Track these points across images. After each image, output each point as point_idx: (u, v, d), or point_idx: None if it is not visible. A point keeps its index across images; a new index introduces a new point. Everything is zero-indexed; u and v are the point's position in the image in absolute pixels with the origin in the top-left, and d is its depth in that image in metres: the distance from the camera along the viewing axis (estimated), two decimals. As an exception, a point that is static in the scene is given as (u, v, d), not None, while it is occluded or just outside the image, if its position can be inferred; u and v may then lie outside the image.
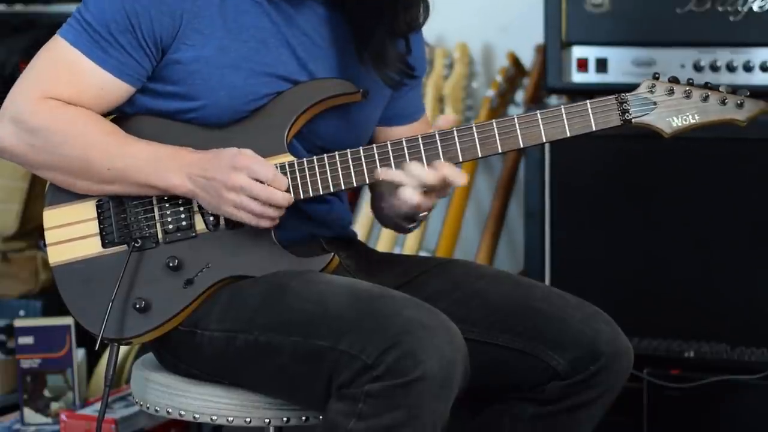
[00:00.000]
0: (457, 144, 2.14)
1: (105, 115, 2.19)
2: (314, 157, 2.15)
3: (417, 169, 2.10)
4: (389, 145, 2.15)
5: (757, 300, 2.85)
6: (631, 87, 2.16)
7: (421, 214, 2.19)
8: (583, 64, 2.98)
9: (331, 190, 2.15)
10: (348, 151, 2.15)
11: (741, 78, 2.88)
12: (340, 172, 2.14)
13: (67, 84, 2.13)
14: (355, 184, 2.15)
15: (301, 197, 2.15)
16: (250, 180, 2.08)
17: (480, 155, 2.14)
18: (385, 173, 2.11)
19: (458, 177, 2.11)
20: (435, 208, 2.21)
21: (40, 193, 2.24)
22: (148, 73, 2.16)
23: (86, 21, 2.12)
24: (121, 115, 2.21)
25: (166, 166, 2.11)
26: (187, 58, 2.14)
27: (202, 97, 2.15)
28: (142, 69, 2.15)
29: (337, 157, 2.15)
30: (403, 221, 2.22)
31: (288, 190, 2.12)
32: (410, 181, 2.10)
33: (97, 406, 3.05)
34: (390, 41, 2.21)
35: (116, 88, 2.15)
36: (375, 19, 2.20)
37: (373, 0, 2.19)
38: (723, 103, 2.13)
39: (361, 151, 2.15)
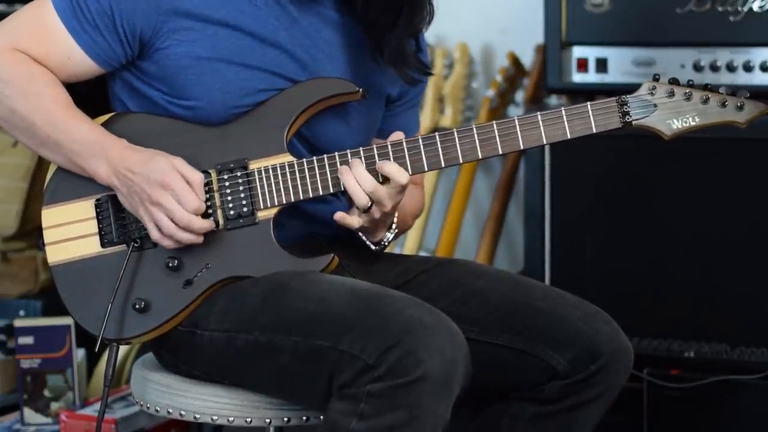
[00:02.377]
0: (458, 145, 2.14)
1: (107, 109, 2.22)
2: (314, 158, 2.15)
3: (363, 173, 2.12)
4: (389, 146, 2.15)
5: (757, 300, 2.85)
6: (631, 87, 2.16)
7: (385, 240, 2.21)
8: (583, 64, 2.98)
9: (331, 191, 2.15)
10: (348, 151, 2.15)
11: (741, 78, 2.88)
12: (340, 172, 2.15)
13: (39, 42, 2.16)
14: (354, 185, 2.15)
15: (301, 198, 2.15)
16: (173, 202, 2.09)
17: (480, 156, 2.14)
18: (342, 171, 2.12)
19: (401, 175, 2.12)
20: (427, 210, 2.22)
21: (40, 193, 2.24)
22: (121, 59, 2.17)
23: None
24: (123, 113, 2.22)
25: (97, 153, 2.13)
26: (178, 53, 2.15)
27: (197, 93, 2.16)
28: (113, 53, 2.16)
29: (337, 157, 2.15)
30: (367, 240, 2.23)
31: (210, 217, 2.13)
32: (355, 188, 2.11)
33: (97, 406, 3.05)
34: (406, 40, 2.22)
35: (82, 62, 2.17)
36: (392, 19, 2.20)
37: (388, 2, 2.19)
38: (723, 105, 2.13)
39: (361, 152, 2.15)
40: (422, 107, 3.42)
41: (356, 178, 2.11)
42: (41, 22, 2.16)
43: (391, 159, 2.14)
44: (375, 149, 2.15)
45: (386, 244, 2.24)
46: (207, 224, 2.12)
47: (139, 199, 2.11)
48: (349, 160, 2.13)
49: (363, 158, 2.14)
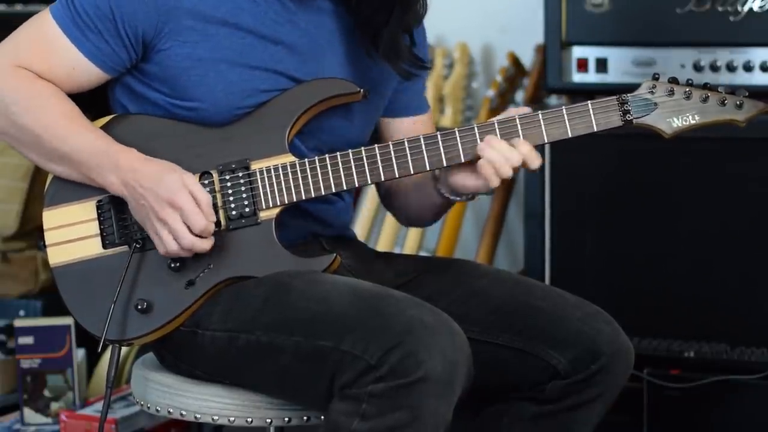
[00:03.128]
0: (459, 144, 2.14)
1: (103, 112, 2.22)
2: (316, 157, 2.15)
3: (502, 146, 2.10)
4: (391, 146, 2.15)
5: (757, 300, 2.85)
6: (631, 87, 2.17)
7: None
8: (583, 64, 2.98)
9: (333, 191, 2.15)
10: (350, 151, 2.15)
11: (741, 78, 2.88)
12: (342, 172, 2.15)
13: (41, 57, 2.16)
14: (356, 184, 2.15)
15: (303, 197, 2.15)
16: (180, 222, 2.08)
17: (482, 155, 2.14)
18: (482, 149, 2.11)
19: (535, 159, 2.11)
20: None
21: (40, 193, 2.24)
22: (126, 64, 2.17)
23: (73, 0, 2.14)
24: (122, 115, 2.22)
25: (107, 164, 2.12)
26: (180, 54, 2.15)
27: (199, 94, 2.16)
28: (118, 58, 2.16)
29: (338, 157, 2.15)
30: (450, 197, 2.21)
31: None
32: (498, 158, 2.10)
33: (97, 406, 3.05)
34: (400, 36, 2.22)
35: (88, 71, 2.16)
36: (385, 15, 2.20)
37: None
38: (722, 103, 2.14)
39: (363, 151, 2.15)
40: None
41: (503, 154, 2.10)
42: (42, 36, 2.16)
43: (393, 159, 2.14)
44: (377, 149, 2.15)
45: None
46: (210, 244, 2.12)
47: (144, 213, 2.10)
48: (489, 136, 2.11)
49: (365, 158, 2.14)
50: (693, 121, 2.15)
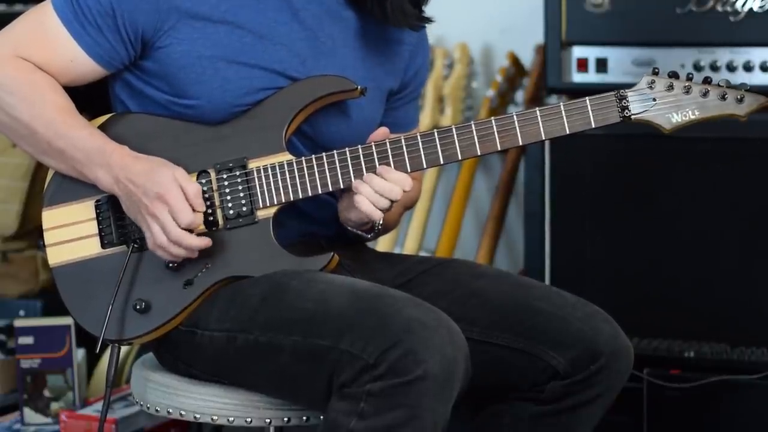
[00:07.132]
0: (456, 142, 2.14)
1: (110, 109, 2.24)
2: (313, 156, 2.15)
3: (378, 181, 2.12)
4: (388, 144, 2.15)
5: (757, 300, 2.85)
6: (632, 87, 2.16)
7: (378, 226, 2.20)
8: (583, 64, 2.98)
9: (330, 189, 2.15)
10: (347, 149, 2.15)
11: (741, 78, 2.87)
12: (338, 171, 2.15)
13: (41, 48, 2.16)
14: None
15: (300, 196, 2.15)
16: (168, 216, 2.09)
17: (479, 153, 2.14)
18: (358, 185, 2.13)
19: (406, 181, 2.13)
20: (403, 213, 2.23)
21: (40, 192, 2.25)
22: (125, 60, 2.18)
23: None
24: (121, 113, 2.22)
25: (99, 160, 2.12)
26: (178, 52, 2.15)
27: (197, 91, 2.16)
28: (117, 54, 2.16)
29: (335, 155, 2.15)
30: (357, 230, 2.22)
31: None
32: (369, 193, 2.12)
33: (97, 406, 3.04)
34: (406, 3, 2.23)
35: (86, 65, 2.17)
36: None
37: None
38: (723, 98, 2.13)
39: (360, 150, 2.15)
40: (422, 107, 3.43)
41: (371, 200, 2.13)
42: (43, 27, 2.16)
43: (390, 157, 2.14)
44: (373, 147, 2.15)
45: (380, 228, 2.22)
46: (200, 242, 2.11)
47: (135, 209, 2.11)
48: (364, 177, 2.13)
49: (362, 156, 2.14)
50: (693, 116, 2.14)
